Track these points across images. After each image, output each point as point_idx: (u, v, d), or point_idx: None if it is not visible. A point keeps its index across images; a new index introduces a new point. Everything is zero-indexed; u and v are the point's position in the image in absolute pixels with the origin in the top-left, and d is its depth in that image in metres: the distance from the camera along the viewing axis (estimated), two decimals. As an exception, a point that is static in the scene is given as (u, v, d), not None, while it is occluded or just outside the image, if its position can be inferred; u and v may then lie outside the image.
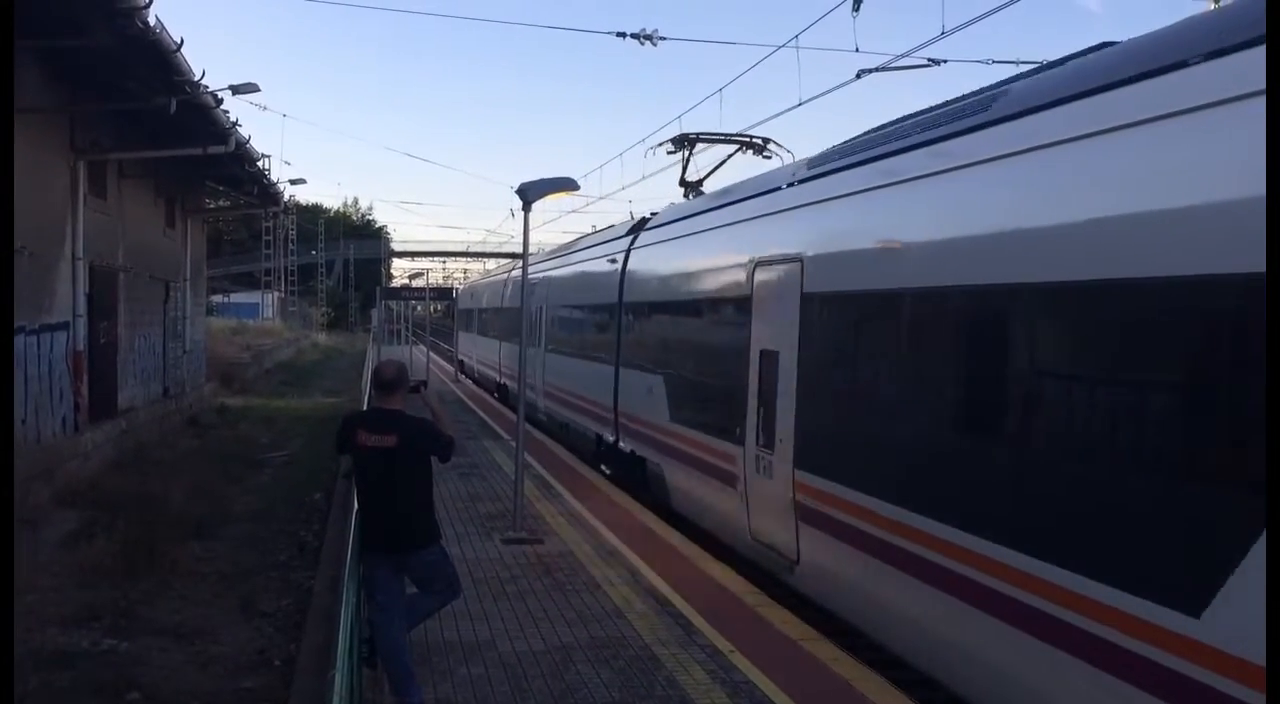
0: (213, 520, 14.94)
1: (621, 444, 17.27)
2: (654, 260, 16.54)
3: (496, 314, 34.26)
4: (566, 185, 13.53)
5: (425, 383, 8.46)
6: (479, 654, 8.60)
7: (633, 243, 18.08)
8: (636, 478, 16.51)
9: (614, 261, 18.54)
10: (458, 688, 7.84)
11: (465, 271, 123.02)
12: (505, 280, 33.84)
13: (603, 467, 18.60)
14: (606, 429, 18.32)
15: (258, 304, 71.70)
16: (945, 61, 16.30)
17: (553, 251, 28.97)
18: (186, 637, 10.14)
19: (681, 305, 14.75)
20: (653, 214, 19.12)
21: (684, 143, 18.55)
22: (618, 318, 17.83)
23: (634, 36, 17.58)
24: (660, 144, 18.97)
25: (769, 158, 17.96)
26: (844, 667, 8.48)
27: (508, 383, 31.64)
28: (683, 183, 18.98)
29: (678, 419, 14.34)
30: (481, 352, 38.98)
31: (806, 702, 7.71)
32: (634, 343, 16.96)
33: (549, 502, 15.41)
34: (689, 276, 14.42)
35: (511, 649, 8.75)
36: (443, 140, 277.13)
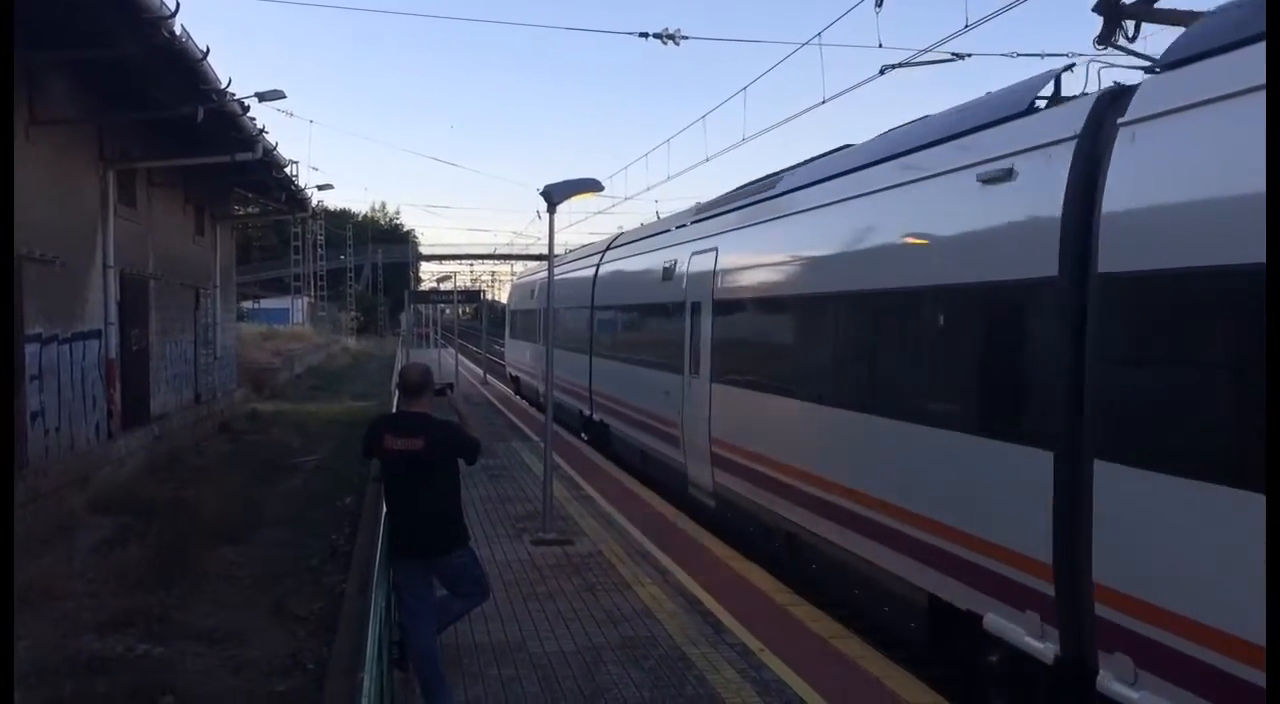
0: (245, 525, 15.02)
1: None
2: None
3: (598, 316, 22.24)
4: (591, 186, 13.61)
5: (452, 386, 8.47)
6: (510, 655, 8.63)
7: (1108, 123, 7.02)
8: None
9: (1024, 187, 7.65)
10: (489, 689, 7.87)
11: (493, 274, 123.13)
12: (616, 261, 21.38)
13: None
14: (1018, 608, 7.44)
15: (288, 309, 72.06)
16: (970, 55, 16.19)
17: (711, 203, 16.70)
18: (220, 641, 10.20)
19: None
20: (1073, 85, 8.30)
21: None
22: (1087, 329, 6.83)
23: (656, 37, 17.57)
24: None
25: None
26: (874, 663, 8.46)
27: (615, 425, 20.17)
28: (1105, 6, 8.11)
29: None
30: (559, 370, 23.30)
31: (836, 699, 7.69)
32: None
33: (578, 503, 15.43)
34: None
35: (542, 650, 8.77)
36: (469, 144, 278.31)
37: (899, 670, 8.35)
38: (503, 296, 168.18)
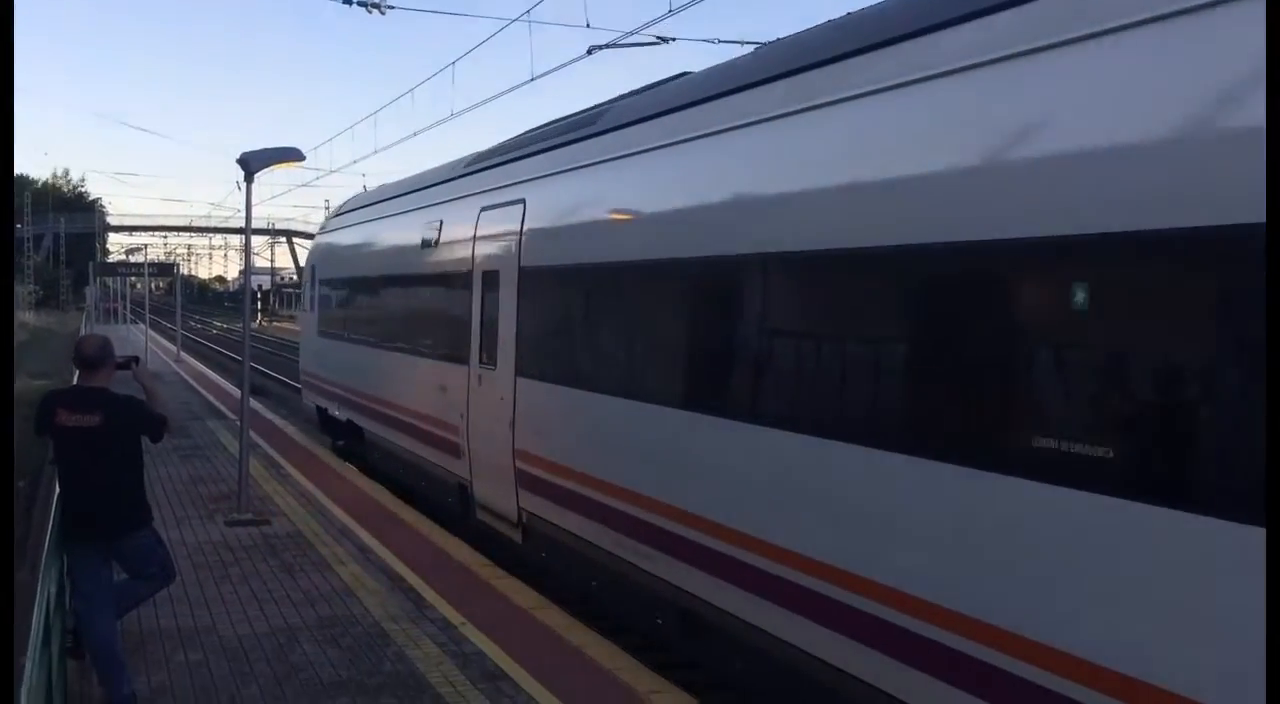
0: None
1: None
2: None
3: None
4: (291, 156, 13.23)
5: (138, 359, 8.00)
6: (198, 639, 8.26)
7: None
8: None
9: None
10: (174, 675, 7.52)
11: (189, 247, 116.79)
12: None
13: None
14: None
15: (-45, 282, 66.23)
16: (674, 39, 16.64)
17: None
18: None
19: None
20: None
21: None
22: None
23: (361, 4, 17.12)
24: None
25: None
26: (576, 633, 8.60)
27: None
28: None
29: None
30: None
31: (537, 668, 7.76)
32: None
33: (278, 482, 14.94)
34: None
35: (233, 633, 8.45)
36: (163, 110, 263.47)
37: (601, 639, 8.51)
38: (201, 271, 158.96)
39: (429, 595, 9.58)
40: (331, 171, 73.97)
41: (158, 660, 7.77)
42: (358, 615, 8.98)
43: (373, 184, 23.49)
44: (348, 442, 18.09)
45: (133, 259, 54.41)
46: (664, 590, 8.23)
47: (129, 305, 49.59)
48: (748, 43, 15.61)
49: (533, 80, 17.94)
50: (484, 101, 21.42)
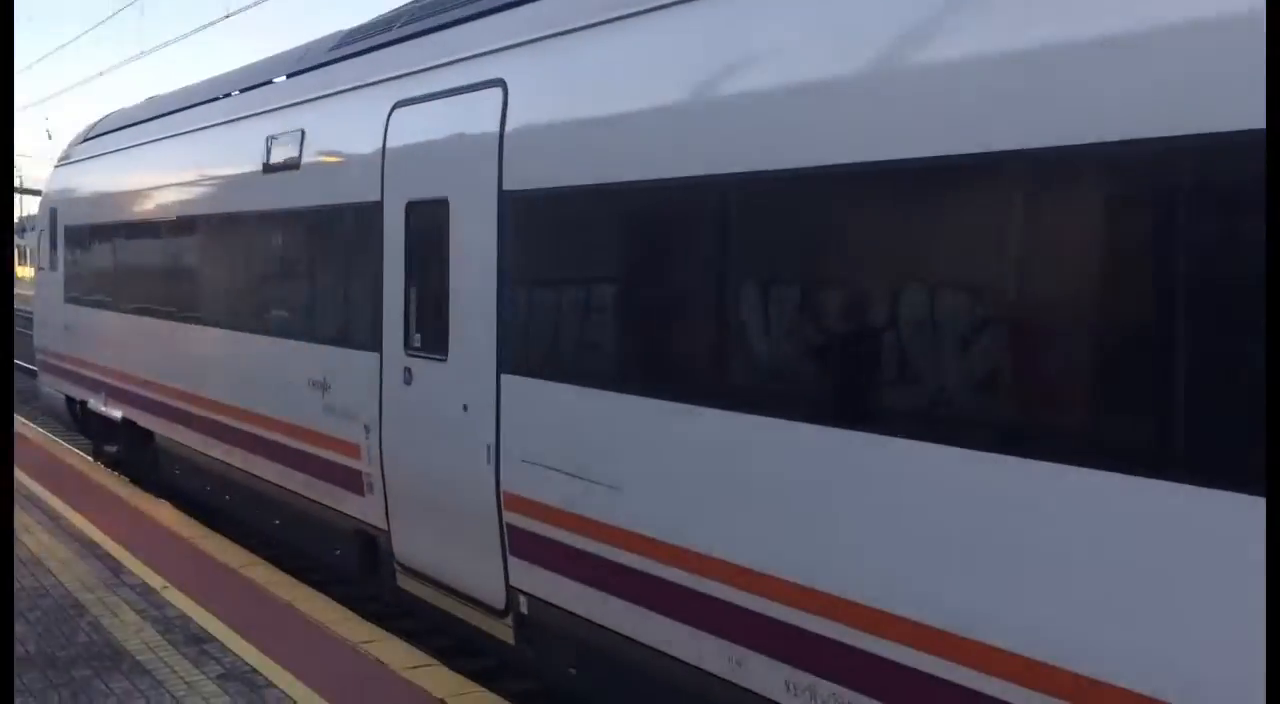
0: None
1: None
2: None
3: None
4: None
5: None
6: None
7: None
8: None
9: None
10: None
11: None
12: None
13: None
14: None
15: None
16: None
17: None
18: None
19: None
20: None
21: None
22: None
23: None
24: None
25: None
26: (284, 589, 8.46)
27: None
28: None
29: None
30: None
31: (246, 627, 7.57)
32: None
33: (-49, 448, 13.85)
34: None
35: (-99, 616, 7.83)
36: None
37: (313, 593, 8.41)
38: None
39: (127, 560, 9.18)
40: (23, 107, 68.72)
41: None
42: (48, 587, 8.49)
43: (58, 127, 21.50)
44: (124, 447, 13.44)
45: None
46: None
47: None
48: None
49: (228, 17, 17.14)
50: (176, 39, 20.27)
